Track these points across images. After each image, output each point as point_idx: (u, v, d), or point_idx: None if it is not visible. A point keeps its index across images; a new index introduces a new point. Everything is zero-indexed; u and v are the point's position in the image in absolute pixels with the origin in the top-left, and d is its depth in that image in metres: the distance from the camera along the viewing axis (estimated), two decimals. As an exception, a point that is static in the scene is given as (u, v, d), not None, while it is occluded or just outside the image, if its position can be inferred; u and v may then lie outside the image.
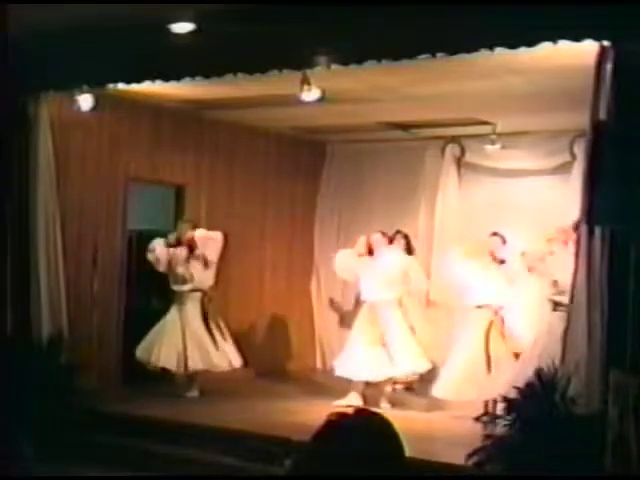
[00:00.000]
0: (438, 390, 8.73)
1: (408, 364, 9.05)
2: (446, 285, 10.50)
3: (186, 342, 9.42)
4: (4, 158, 8.15)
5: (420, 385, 10.43)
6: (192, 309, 9.54)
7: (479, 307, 8.63)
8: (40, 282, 8.52)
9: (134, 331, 9.90)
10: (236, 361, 9.61)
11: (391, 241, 9.47)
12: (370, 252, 9.33)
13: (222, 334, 9.59)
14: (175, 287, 9.64)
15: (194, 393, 9.53)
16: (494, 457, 6.16)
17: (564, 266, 7.68)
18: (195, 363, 9.43)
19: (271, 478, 6.87)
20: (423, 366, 9.15)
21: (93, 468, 7.25)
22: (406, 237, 10.35)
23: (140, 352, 9.43)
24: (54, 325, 8.53)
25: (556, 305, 8.39)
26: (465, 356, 8.60)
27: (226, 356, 9.54)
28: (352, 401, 8.75)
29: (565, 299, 7.96)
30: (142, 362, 9.42)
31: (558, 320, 8.19)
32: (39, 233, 8.55)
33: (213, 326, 9.55)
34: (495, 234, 8.85)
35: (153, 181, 10.47)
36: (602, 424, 5.64)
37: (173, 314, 9.57)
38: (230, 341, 9.64)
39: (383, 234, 9.42)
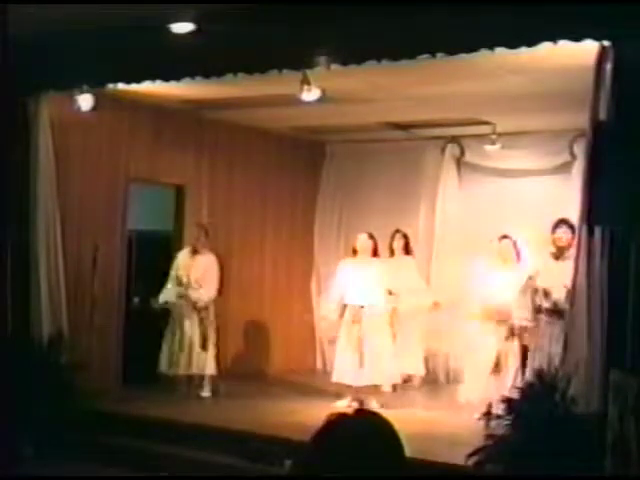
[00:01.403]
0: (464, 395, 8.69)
1: (369, 375, 8.83)
2: (446, 287, 10.49)
3: (183, 344, 9.45)
4: (4, 158, 8.15)
5: (420, 385, 10.47)
6: (188, 310, 9.53)
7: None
8: (40, 282, 8.53)
9: (134, 331, 9.91)
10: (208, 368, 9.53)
11: (375, 251, 9.12)
12: (354, 252, 9.11)
13: (206, 337, 9.53)
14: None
15: (206, 393, 9.47)
16: (494, 457, 6.16)
17: (554, 276, 7.66)
18: (187, 366, 9.46)
19: (271, 478, 6.88)
20: (379, 380, 9.00)
21: (93, 468, 7.25)
22: (405, 237, 10.30)
23: (163, 366, 9.45)
24: (54, 325, 8.53)
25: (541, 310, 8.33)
26: (484, 362, 8.48)
27: (205, 361, 9.50)
28: (350, 402, 8.75)
29: (550, 306, 7.95)
30: (173, 375, 9.51)
31: (544, 325, 8.16)
32: (39, 233, 8.55)
33: (202, 328, 9.52)
34: (505, 237, 8.61)
35: (153, 181, 10.46)
36: (602, 424, 5.64)
37: (172, 317, 9.58)
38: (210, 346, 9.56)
39: (370, 236, 9.07)
